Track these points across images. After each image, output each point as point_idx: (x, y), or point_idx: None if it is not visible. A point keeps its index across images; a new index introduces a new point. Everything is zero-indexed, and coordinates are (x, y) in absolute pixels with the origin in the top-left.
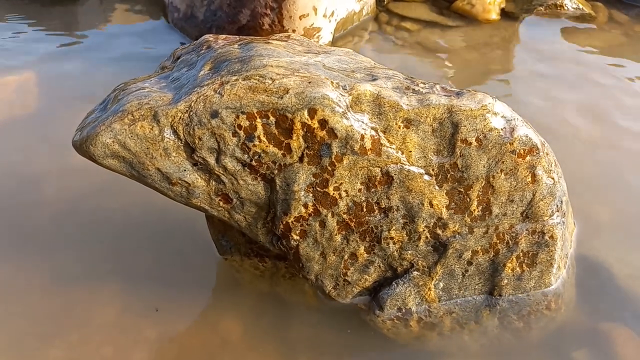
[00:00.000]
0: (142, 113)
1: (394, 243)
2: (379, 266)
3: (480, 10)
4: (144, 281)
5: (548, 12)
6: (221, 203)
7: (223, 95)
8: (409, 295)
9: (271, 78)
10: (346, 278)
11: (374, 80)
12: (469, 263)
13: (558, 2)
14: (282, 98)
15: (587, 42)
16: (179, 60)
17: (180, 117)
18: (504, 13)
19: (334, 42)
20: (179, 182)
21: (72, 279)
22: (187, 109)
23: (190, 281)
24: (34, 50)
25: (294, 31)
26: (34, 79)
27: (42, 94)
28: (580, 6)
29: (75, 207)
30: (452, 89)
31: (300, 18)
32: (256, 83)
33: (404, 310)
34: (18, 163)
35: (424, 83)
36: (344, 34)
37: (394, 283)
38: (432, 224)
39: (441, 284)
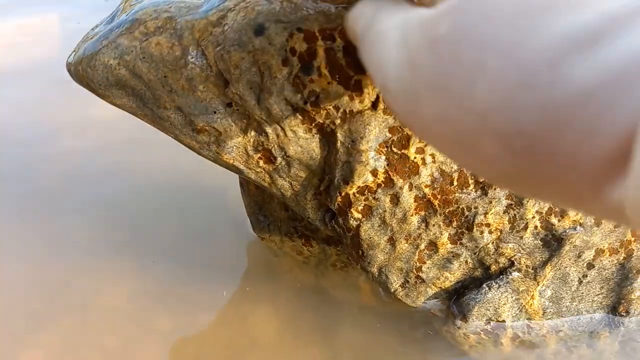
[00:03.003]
0: (159, 24)
1: (490, 232)
2: (466, 261)
3: None
4: (160, 259)
5: None
6: (261, 162)
7: (273, 2)
8: (505, 304)
9: None
10: (420, 274)
11: None
12: (590, 266)
13: None
14: None
15: None
16: None
17: (210, 33)
18: None
19: None
20: (207, 128)
21: (77, 249)
22: (220, 20)
23: (216, 263)
24: None
25: None
26: (57, 20)
27: (65, 36)
28: None
29: (89, 165)
30: None
31: None
32: None
33: (494, 323)
34: (33, 112)
35: None
36: None
37: (485, 286)
38: (545, 209)
39: (549, 292)
